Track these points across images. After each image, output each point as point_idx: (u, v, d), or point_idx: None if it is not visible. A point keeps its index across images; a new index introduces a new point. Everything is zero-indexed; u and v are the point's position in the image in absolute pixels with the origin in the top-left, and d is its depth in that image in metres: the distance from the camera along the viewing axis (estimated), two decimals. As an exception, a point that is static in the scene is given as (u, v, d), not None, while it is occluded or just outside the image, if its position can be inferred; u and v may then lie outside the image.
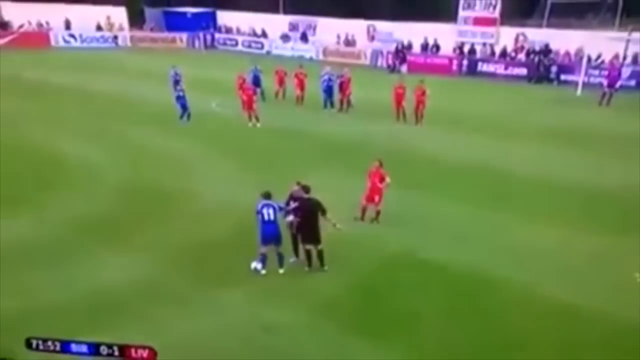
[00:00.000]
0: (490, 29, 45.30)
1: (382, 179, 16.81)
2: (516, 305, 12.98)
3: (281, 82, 33.96)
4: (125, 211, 18.14)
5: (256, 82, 32.98)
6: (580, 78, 37.55)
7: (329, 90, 31.58)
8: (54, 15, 55.16)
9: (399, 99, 29.05)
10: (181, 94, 28.57)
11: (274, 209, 13.97)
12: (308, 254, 14.45)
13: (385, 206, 17.26)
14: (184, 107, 28.46)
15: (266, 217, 13.90)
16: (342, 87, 31.49)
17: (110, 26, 57.79)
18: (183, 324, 12.03)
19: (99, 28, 57.23)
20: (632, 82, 38.32)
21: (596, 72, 38.73)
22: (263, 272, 14.14)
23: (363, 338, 11.78)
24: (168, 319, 12.22)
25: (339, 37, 52.96)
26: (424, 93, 28.30)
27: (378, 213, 17.25)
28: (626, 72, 37.96)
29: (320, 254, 14.40)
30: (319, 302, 13.16)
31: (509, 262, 14.82)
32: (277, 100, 33.34)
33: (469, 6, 45.75)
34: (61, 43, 55.21)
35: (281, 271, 14.20)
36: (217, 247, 15.71)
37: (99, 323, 11.65)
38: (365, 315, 12.66)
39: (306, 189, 14.37)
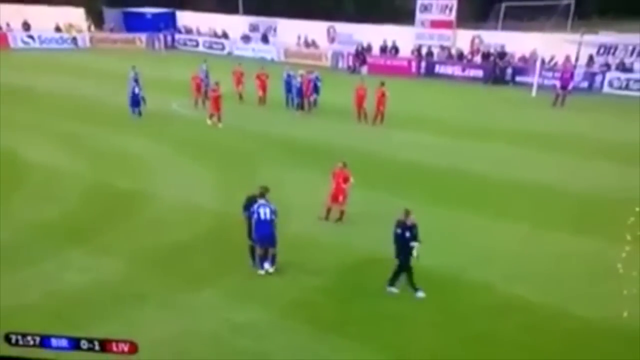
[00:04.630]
0: (447, 32, 46.21)
1: (346, 180, 17.07)
2: (483, 303, 13.16)
3: (239, 83, 33.97)
4: (89, 213, 18.10)
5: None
6: (534, 80, 38.45)
7: (298, 92, 31.77)
8: (12, 17, 54.25)
9: (360, 100, 29.50)
10: (137, 91, 29.09)
11: (270, 209, 13.90)
12: (252, 250, 14.58)
13: (349, 206, 17.48)
14: (137, 104, 29.14)
15: (262, 217, 13.81)
16: (303, 88, 31.77)
17: (69, 27, 57.07)
18: (150, 325, 11.95)
19: (57, 29, 56.46)
20: (585, 84, 39.42)
21: (550, 74, 39.62)
22: (262, 272, 14.20)
23: (332, 338, 11.87)
24: (135, 320, 12.18)
25: (299, 38, 53.22)
26: (384, 94, 28.75)
27: (342, 213, 17.44)
28: (579, 74, 38.97)
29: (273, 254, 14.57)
30: (287, 304, 13.22)
31: (473, 262, 15.03)
32: (236, 101, 33.06)
33: (426, 9, 46.58)
34: (20, 44, 54.48)
35: (271, 270, 14.19)
36: (182, 249, 15.69)
37: (66, 324, 11.54)
38: (334, 316, 12.73)
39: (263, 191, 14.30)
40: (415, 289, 13.31)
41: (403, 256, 13.17)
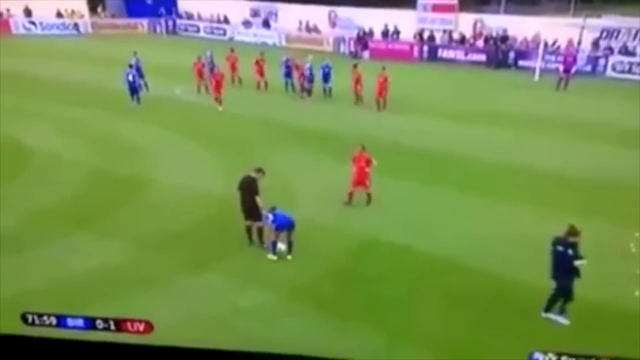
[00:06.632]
0: (449, 16, 45.90)
1: (368, 162, 17.21)
2: (485, 287, 13.28)
3: (233, 69, 34.19)
4: (92, 198, 18.32)
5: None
6: (537, 63, 38.30)
7: (312, 78, 31.72)
8: (13, 3, 54.02)
9: (356, 85, 29.90)
10: (130, 78, 29.05)
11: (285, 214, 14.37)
12: (248, 229, 14.90)
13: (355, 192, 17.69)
14: (135, 91, 29.12)
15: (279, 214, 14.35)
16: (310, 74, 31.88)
17: (71, 13, 56.88)
18: (156, 309, 11.77)
19: (59, 15, 56.31)
20: (588, 68, 39.35)
21: (552, 57, 39.54)
22: (274, 257, 14.42)
23: (339, 321, 12.03)
24: (140, 304, 12.27)
25: (301, 23, 53.06)
26: (386, 79, 28.85)
27: (369, 196, 17.65)
28: (581, 57, 38.95)
29: (259, 231, 14.83)
30: (292, 287, 13.37)
31: (475, 246, 15.13)
32: (234, 86, 33.17)
33: (428, -7, 46.37)
34: (22, 30, 54.31)
35: (289, 257, 14.47)
36: (186, 233, 15.90)
37: (73, 308, 10.99)
38: (340, 300, 12.88)
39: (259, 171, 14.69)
40: (562, 312, 12.08)
41: (565, 277, 11.77)
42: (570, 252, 11.53)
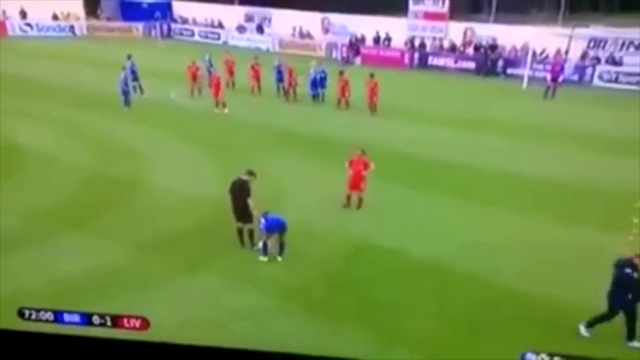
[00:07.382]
0: (440, 24, 46.38)
1: (366, 166, 17.49)
2: (477, 293, 13.46)
3: (230, 72, 34.44)
4: (87, 200, 18.43)
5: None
6: (525, 72, 38.76)
7: (317, 84, 32.12)
8: (9, 5, 54.04)
9: (342, 91, 30.41)
10: (122, 81, 29.25)
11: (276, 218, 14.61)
12: (239, 231, 15.12)
13: (343, 195, 17.94)
14: (126, 94, 29.32)
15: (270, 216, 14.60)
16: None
17: (67, 16, 57.08)
18: (149, 310, 11.48)
19: (55, 17, 56.48)
20: (575, 77, 39.81)
21: (541, 66, 39.99)
22: (265, 259, 14.63)
23: (331, 323, 12.18)
24: (133, 306, 11.97)
25: (294, 29, 53.41)
26: (376, 85, 29.22)
27: (361, 200, 17.87)
28: (569, 67, 39.44)
29: (250, 233, 15.04)
30: (284, 290, 13.51)
31: (466, 252, 15.33)
32: (228, 90, 32.84)
33: (420, 1, 46.78)
34: (18, 32, 54.43)
35: (280, 259, 14.66)
36: (180, 235, 16.04)
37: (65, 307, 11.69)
38: (332, 302, 13.02)
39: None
40: (632, 338, 11.61)
41: (624, 300, 11.38)
42: (636, 275, 11.24)
